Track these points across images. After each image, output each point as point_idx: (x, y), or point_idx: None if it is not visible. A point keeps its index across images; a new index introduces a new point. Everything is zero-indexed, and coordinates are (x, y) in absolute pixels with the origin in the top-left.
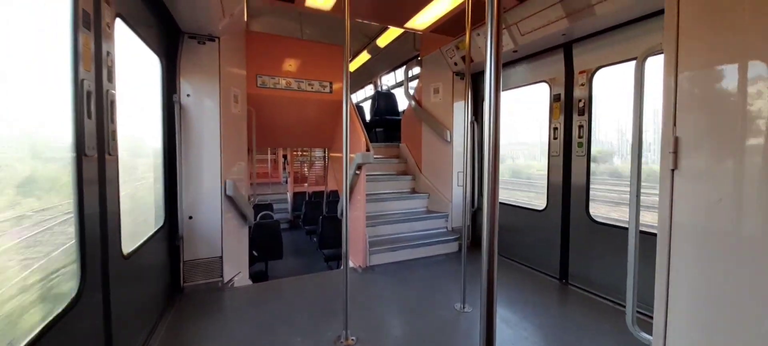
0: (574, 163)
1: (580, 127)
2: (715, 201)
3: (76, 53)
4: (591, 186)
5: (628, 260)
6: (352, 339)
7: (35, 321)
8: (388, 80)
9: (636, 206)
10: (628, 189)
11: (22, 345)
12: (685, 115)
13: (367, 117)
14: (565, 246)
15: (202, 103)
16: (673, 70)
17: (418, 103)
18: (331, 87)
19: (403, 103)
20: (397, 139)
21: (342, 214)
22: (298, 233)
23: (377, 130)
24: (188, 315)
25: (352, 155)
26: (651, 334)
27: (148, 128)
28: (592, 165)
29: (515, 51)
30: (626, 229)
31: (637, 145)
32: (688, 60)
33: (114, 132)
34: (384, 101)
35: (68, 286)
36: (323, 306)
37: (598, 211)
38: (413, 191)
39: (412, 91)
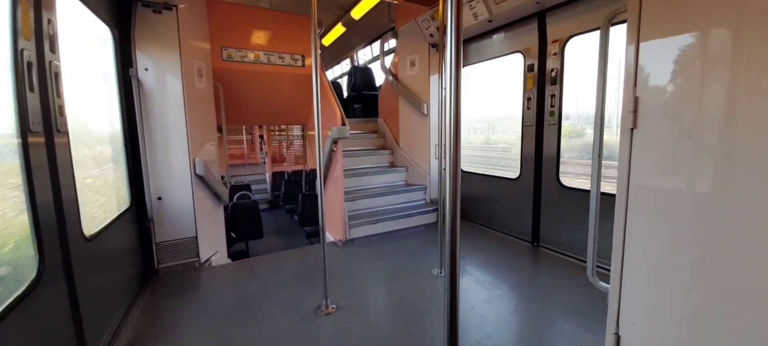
0: (546, 132)
1: (552, 96)
2: (669, 155)
3: (14, 21)
4: (561, 153)
5: (590, 216)
6: (333, 307)
7: None
8: (364, 55)
9: (598, 166)
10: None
11: None
12: (645, 76)
13: (344, 93)
14: (536, 211)
15: (163, 77)
16: (635, 33)
17: (395, 76)
18: (303, 60)
19: (380, 78)
20: (375, 115)
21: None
22: (279, 213)
23: (355, 106)
24: (163, 296)
25: (327, 132)
26: (609, 283)
27: (103, 104)
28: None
29: (490, 20)
30: None
31: (599, 110)
32: (651, 23)
33: (61, 107)
34: (361, 76)
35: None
36: (304, 279)
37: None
38: (392, 165)
39: (388, 65)
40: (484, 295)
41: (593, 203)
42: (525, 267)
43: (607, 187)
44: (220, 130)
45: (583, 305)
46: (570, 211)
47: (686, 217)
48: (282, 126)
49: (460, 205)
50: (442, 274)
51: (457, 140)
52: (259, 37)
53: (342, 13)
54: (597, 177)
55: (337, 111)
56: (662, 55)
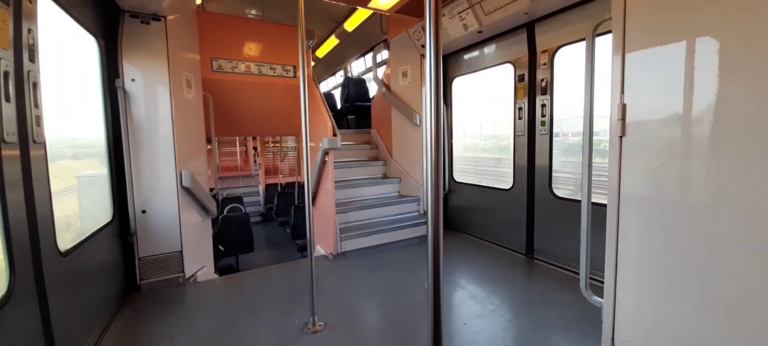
0: (537, 141)
1: (543, 106)
2: (659, 164)
3: None
4: (554, 163)
5: (581, 228)
6: (320, 325)
7: None
8: (358, 66)
9: (588, 176)
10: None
11: None
12: (632, 83)
13: (338, 105)
14: (530, 223)
15: (151, 88)
16: (621, 42)
17: (388, 87)
18: (294, 71)
19: (374, 89)
20: (368, 126)
21: (313, 203)
22: (272, 226)
23: (349, 117)
24: (145, 313)
25: (312, 144)
26: (603, 298)
27: (86, 116)
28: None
29: (480, 31)
30: None
31: (588, 118)
32: (636, 33)
33: (39, 117)
34: (354, 88)
35: None
36: (292, 295)
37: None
38: (384, 177)
39: (381, 76)
40: (477, 310)
41: (585, 214)
42: (519, 280)
43: (600, 198)
44: (209, 141)
45: (578, 320)
46: (564, 222)
47: (679, 226)
48: (276, 137)
49: (442, 217)
50: None
51: (438, 148)
52: (251, 49)
53: (335, 25)
54: (588, 187)
55: (328, 121)
56: (648, 63)
